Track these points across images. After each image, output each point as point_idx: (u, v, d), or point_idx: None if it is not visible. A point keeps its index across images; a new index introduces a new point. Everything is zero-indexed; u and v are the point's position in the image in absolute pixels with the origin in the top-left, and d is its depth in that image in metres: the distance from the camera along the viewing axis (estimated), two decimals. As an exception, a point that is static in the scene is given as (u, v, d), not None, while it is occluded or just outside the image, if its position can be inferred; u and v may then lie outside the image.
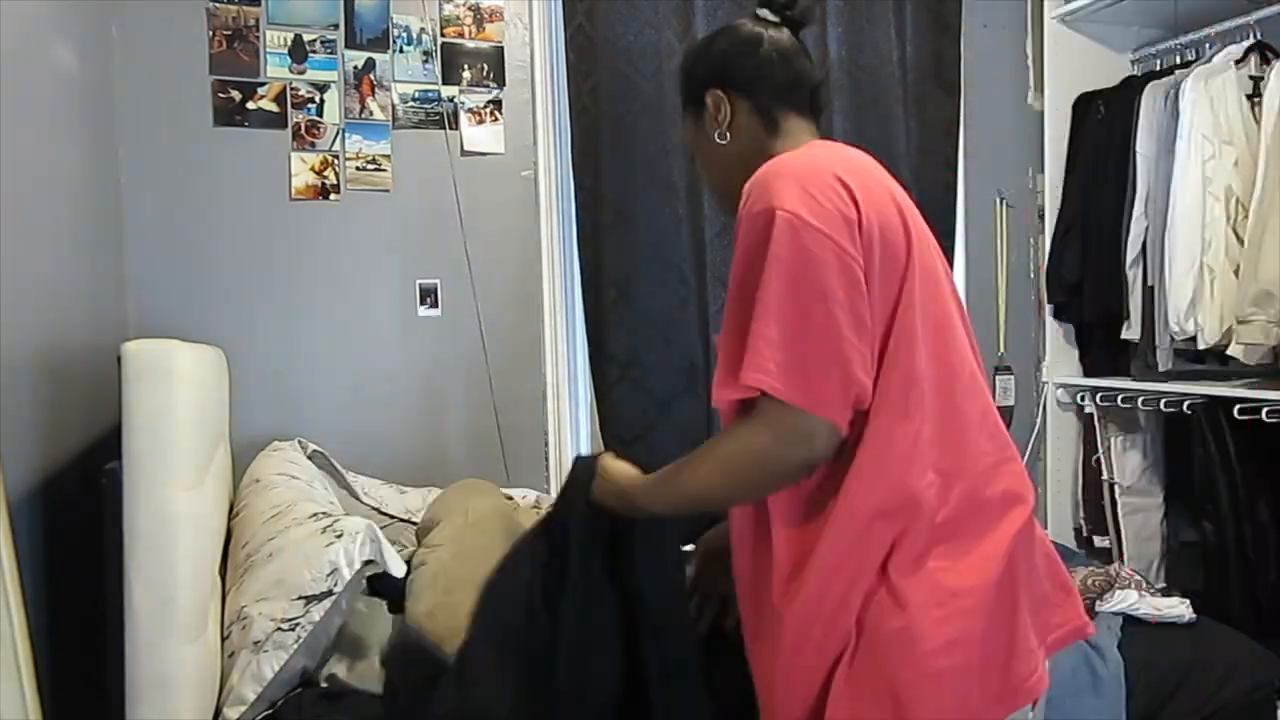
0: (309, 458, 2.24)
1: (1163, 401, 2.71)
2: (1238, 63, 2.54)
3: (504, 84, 2.70)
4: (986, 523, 1.11)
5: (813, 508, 1.12)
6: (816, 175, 1.10)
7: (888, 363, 1.09)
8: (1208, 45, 2.72)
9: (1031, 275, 3.20)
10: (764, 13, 1.30)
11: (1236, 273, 2.45)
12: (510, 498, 2.37)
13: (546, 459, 2.77)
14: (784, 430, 1.05)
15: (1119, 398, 2.83)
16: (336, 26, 2.55)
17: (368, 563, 1.65)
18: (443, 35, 2.64)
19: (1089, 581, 2.11)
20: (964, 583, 1.07)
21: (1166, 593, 2.16)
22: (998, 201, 3.14)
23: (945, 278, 1.23)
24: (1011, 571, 1.10)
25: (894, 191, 1.21)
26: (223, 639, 1.63)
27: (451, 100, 2.65)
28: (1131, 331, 2.74)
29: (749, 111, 1.26)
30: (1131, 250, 2.72)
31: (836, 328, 1.05)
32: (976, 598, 1.07)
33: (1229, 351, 2.44)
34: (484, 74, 2.68)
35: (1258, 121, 2.47)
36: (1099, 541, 2.99)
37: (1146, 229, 2.69)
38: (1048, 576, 1.19)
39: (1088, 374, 3.02)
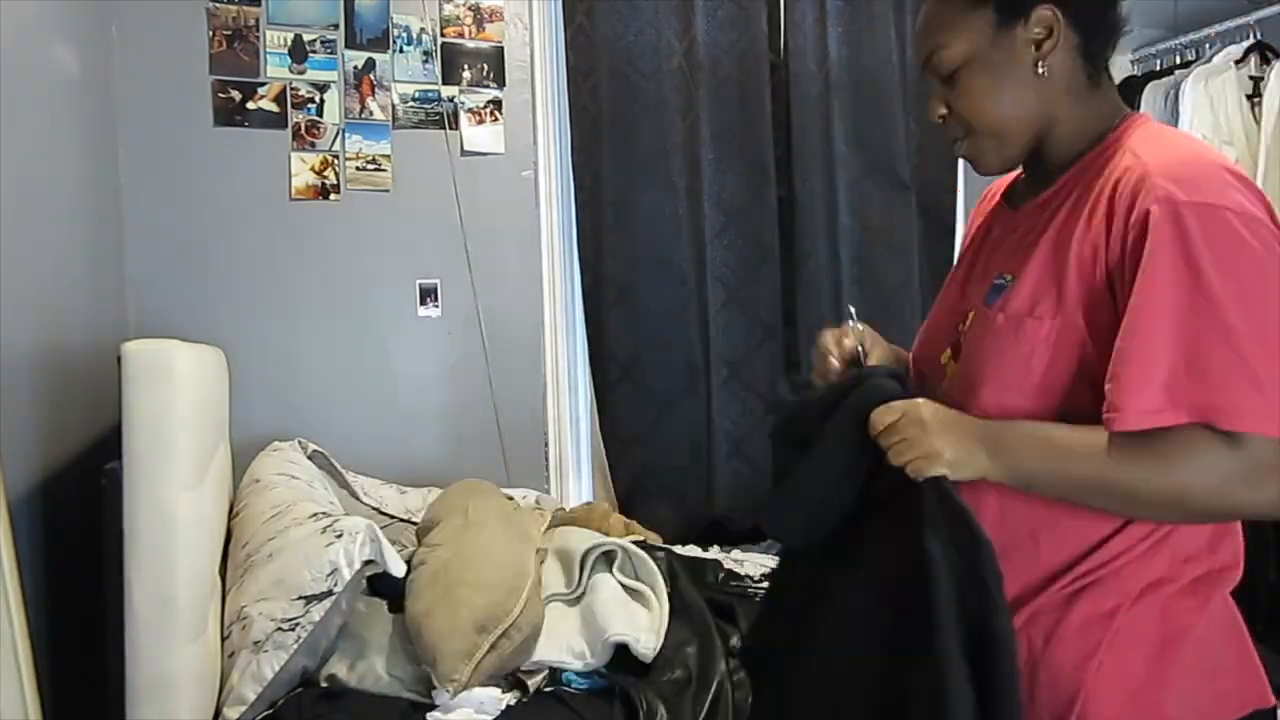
0: (309, 458, 2.24)
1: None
2: (1238, 63, 2.55)
3: (504, 84, 2.70)
4: None
5: None
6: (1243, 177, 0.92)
7: None
8: (1208, 45, 2.72)
9: (1031, 275, 3.20)
10: None
11: (1236, 273, 2.45)
12: (510, 498, 2.37)
13: (546, 459, 2.77)
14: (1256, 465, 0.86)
15: (1119, 398, 2.83)
16: (336, 26, 2.55)
17: (368, 563, 1.65)
18: (443, 35, 2.64)
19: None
20: None
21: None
22: (998, 201, 3.14)
23: None
24: None
25: None
26: (223, 639, 1.63)
27: (451, 100, 2.65)
28: (1131, 331, 2.74)
29: (1075, 50, 1.00)
30: (1131, 250, 2.71)
31: None
32: None
33: (1229, 351, 2.44)
34: (484, 74, 2.68)
35: (1258, 121, 2.47)
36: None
37: (1146, 229, 2.69)
38: None
39: (1088, 374, 3.01)
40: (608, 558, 1.93)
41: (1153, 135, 0.99)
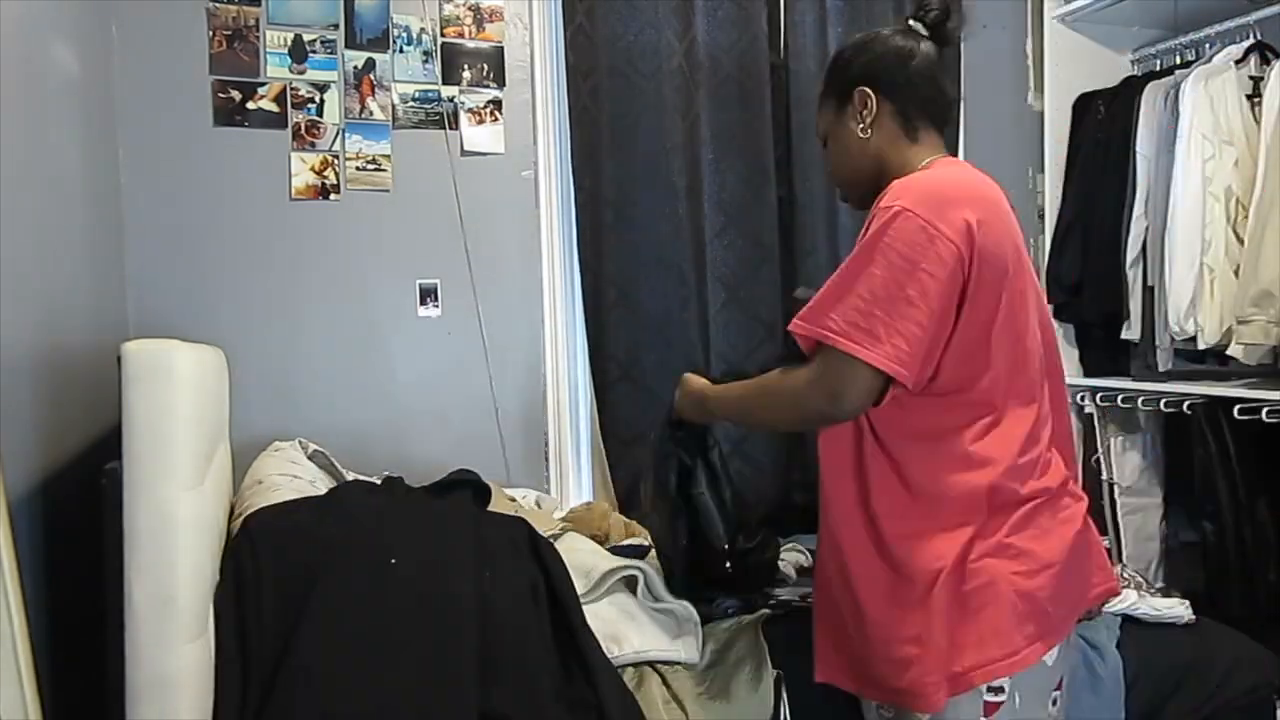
0: (309, 458, 2.24)
1: (1162, 402, 2.71)
2: (1238, 63, 2.54)
3: (504, 84, 2.70)
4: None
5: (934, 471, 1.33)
6: (949, 195, 1.30)
7: (985, 364, 1.31)
8: (1208, 45, 2.72)
9: (1031, 275, 3.20)
10: (916, 26, 1.46)
11: (1236, 273, 2.45)
12: (513, 499, 2.37)
13: (546, 459, 2.77)
14: (824, 377, 1.29)
15: (1119, 398, 2.83)
16: (336, 26, 2.55)
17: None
18: (443, 35, 2.64)
19: (1089, 581, 2.11)
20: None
21: (1166, 593, 2.16)
22: (998, 201, 3.14)
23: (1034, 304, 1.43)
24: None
25: (1011, 227, 1.37)
26: (223, 639, 1.63)
27: (451, 100, 2.65)
28: (1131, 332, 2.74)
29: (891, 114, 1.43)
30: (1131, 250, 2.72)
31: (923, 302, 1.24)
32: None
33: (1229, 352, 2.44)
34: (484, 74, 2.68)
35: (1258, 121, 2.47)
36: (1098, 541, 2.99)
37: (1146, 229, 2.69)
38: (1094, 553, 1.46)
39: (1087, 374, 3.01)
40: (628, 582, 1.91)
41: (932, 167, 1.40)
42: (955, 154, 3.03)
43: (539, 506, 2.48)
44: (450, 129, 2.65)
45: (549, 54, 2.74)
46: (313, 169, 2.54)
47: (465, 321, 2.68)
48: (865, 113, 1.44)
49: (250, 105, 2.48)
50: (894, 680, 1.31)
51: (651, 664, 1.73)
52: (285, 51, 2.51)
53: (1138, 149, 2.70)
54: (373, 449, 2.54)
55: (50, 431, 1.76)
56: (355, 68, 2.57)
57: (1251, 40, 2.57)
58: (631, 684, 1.67)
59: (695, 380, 1.66)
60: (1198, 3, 2.77)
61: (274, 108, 2.50)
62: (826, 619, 1.46)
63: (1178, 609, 2.00)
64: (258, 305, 2.51)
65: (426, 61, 2.63)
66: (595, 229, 2.71)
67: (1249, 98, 2.51)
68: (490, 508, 1.98)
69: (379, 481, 2.06)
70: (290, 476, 1.99)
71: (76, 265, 2.05)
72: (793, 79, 2.84)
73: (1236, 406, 2.44)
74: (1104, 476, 2.95)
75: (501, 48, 2.70)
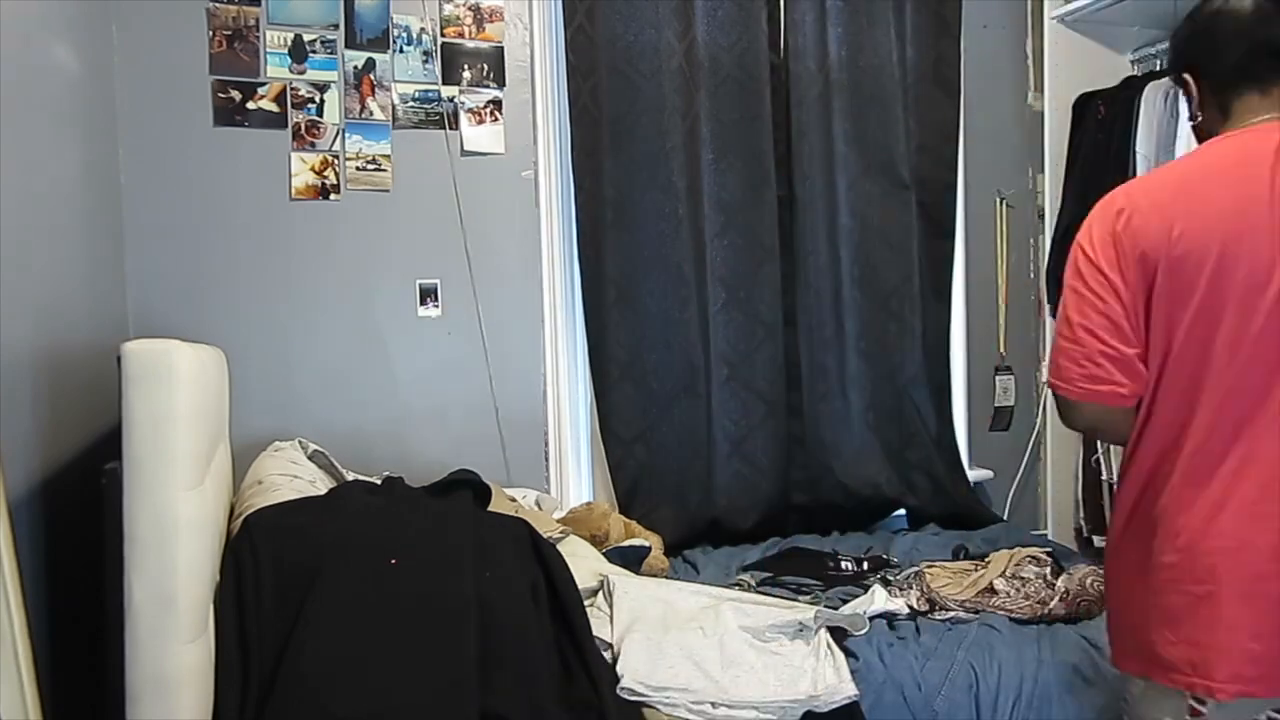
0: (309, 458, 2.24)
1: (1163, 401, 2.71)
2: (1238, 63, 2.54)
3: (504, 84, 2.70)
4: None
5: None
6: (1127, 189, 1.31)
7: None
8: (1208, 45, 2.71)
9: (1031, 275, 3.21)
10: None
11: (1236, 273, 2.45)
12: (513, 499, 2.37)
13: (546, 459, 2.77)
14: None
15: (1119, 398, 2.83)
16: (336, 26, 2.55)
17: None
18: (443, 35, 2.64)
19: (1089, 582, 2.11)
20: None
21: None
22: (998, 201, 3.15)
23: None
24: None
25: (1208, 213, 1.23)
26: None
27: (451, 100, 2.65)
28: (1131, 331, 2.74)
29: (1210, 92, 1.33)
30: (1131, 250, 2.71)
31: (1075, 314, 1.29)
32: None
33: (1229, 351, 2.44)
34: (484, 74, 2.68)
35: (1258, 121, 2.47)
36: (1098, 542, 2.99)
37: (1146, 229, 2.69)
38: None
39: (1088, 374, 3.01)
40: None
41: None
42: (955, 154, 3.03)
43: (539, 506, 2.48)
44: (450, 129, 2.65)
45: (549, 54, 2.74)
46: (313, 169, 2.54)
47: (465, 321, 2.68)
48: (1191, 100, 1.35)
49: (250, 105, 2.48)
50: None
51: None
52: (285, 51, 2.51)
53: (1138, 149, 2.70)
54: (373, 449, 2.54)
55: (50, 431, 1.76)
56: (355, 68, 2.57)
57: (1251, 40, 2.56)
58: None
59: None
60: (1198, 3, 2.76)
61: (274, 108, 2.50)
62: None
63: (1178, 609, 1.99)
64: (258, 305, 2.51)
65: (426, 61, 2.63)
66: (595, 229, 2.71)
67: (1249, 98, 2.51)
68: (490, 508, 1.98)
69: (379, 481, 2.06)
70: (290, 476, 1.99)
71: (76, 265, 2.05)
72: (793, 79, 2.84)
73: (1236, 406, 2.44)
74: (1104, 477, 2.95)
75: (501, 48, 2.70)
